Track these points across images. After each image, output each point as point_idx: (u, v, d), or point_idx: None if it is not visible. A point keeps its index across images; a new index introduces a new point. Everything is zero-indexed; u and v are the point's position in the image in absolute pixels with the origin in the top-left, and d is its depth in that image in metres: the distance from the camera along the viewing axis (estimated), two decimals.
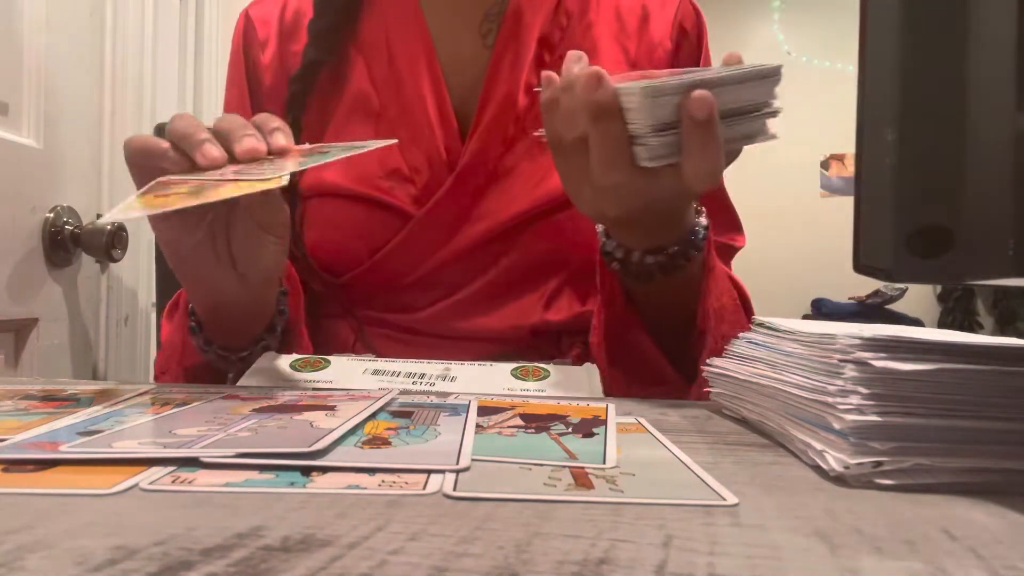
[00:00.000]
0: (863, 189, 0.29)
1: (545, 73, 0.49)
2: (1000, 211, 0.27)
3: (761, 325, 0.43)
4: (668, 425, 0.41)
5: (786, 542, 0.23)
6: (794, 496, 0.28)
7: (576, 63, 0.47)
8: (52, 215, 1.06)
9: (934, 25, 0.28)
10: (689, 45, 0.73)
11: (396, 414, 0.39)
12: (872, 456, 0.30)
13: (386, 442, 0.33)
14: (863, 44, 0.29)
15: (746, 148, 0.48)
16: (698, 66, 0.72)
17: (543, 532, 0.23)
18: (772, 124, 0.47)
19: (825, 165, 4.25)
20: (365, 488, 0.27)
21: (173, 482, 0.27)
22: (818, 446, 0.32)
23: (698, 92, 0.42)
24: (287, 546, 0.21)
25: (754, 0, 4.27)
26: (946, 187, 0.28)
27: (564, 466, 0.30)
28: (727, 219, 0.72)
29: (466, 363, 0.56)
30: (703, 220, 0.56)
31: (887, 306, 3.93)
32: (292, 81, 0.69)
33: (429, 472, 0.29)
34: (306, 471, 0.28)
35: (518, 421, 0.39)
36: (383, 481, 0.28)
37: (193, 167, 0.46)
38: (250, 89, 0.73)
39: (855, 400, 0.30)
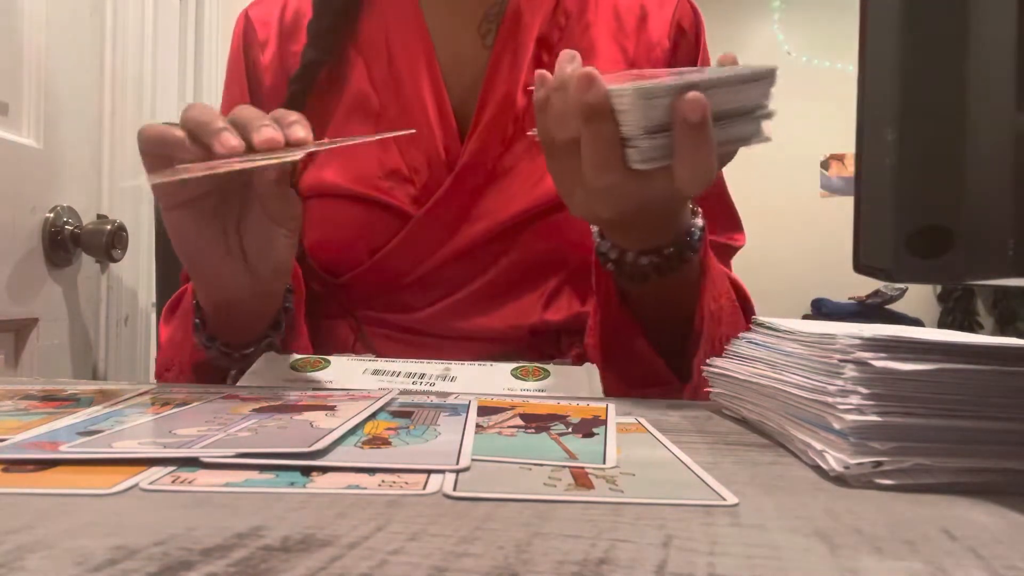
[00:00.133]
0: (863, 189, 0.29)
1: (538, 72, 0.48)
2: (1000, 211, 0.27)
3: (761, 325, 0.43)
4: (668, 425, 0.41)
5: (786, 542, 0.23)
6: (794, 496, 0.28)
7: (569, 63, 0.46)
8: (52, 215, 1.06)
9: (934, 25, 0.28)
10: (687, 44, 0.73)
11: (396, 414, 0.39)
12: (872, 456, 0.30)
13: (386, 442, 0.33)
14: (863, 44, 0.29)
15: (744, 148, 0.47)
16: (696, 65, 0.72)
17: (543, 532, 0.23)
18: (769, 125, 0.46)
19: (825, 165, 4.25)
20: (365, 488, 0.27)
21: (173, 482, 0.27)
22: (818, 446, 0.32)
23: (691, 94, 0.41)
24: (287, 546, 0.21)
25: (754, 0, 4.27)
26: (946, 187, 0.28)
27: (564, 466, 0.30)
28: (727, 218, 0.72)
29: (466, 363, 0.56)
30: (699, 221, 0.56)
31: (887, 306, 3.93)
32: (292, 81, 0.69)
33: (429, 472, 0.29)
34: (306, 471, 0.28)
35: (518, 421, 0.39)
36: (383, 481, 0.28)
37: (208, 159, 0.45)
38: (250, 89, 0.73)
39: (855, 400, 0.30)
